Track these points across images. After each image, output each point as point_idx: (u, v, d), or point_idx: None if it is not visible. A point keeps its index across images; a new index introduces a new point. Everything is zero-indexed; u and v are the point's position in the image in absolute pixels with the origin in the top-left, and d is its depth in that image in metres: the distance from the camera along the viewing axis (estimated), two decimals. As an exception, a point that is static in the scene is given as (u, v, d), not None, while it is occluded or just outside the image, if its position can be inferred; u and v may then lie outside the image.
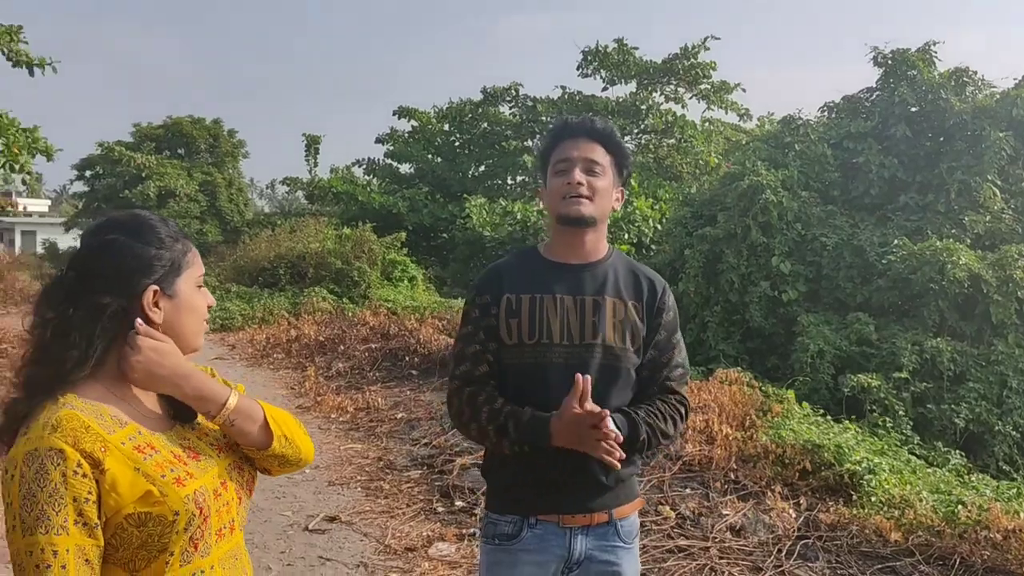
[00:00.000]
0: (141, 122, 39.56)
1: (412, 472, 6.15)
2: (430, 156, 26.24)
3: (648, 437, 2.13)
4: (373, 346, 11.23)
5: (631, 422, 2.11)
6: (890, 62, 12.43)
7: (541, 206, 2.96)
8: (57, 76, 10.60)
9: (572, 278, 2.20)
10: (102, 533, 1.41)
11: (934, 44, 12.53)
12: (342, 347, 11.36)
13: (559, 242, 2.24)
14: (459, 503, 5.43)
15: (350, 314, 14.03)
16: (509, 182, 25.76)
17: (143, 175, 35.07)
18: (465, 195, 22.44)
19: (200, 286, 1.65)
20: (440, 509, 5.37)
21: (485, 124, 25.73)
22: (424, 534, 4.86)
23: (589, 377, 2.01)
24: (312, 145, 31.74)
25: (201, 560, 1.49)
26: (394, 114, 26.40)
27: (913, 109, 12.01)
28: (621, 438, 2.01)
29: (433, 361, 9.61)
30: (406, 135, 26.63)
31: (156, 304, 1.55)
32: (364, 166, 26.78)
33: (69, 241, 40.73)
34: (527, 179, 24.66)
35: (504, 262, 2.34)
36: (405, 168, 26.70)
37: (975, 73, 12.18)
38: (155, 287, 1.55)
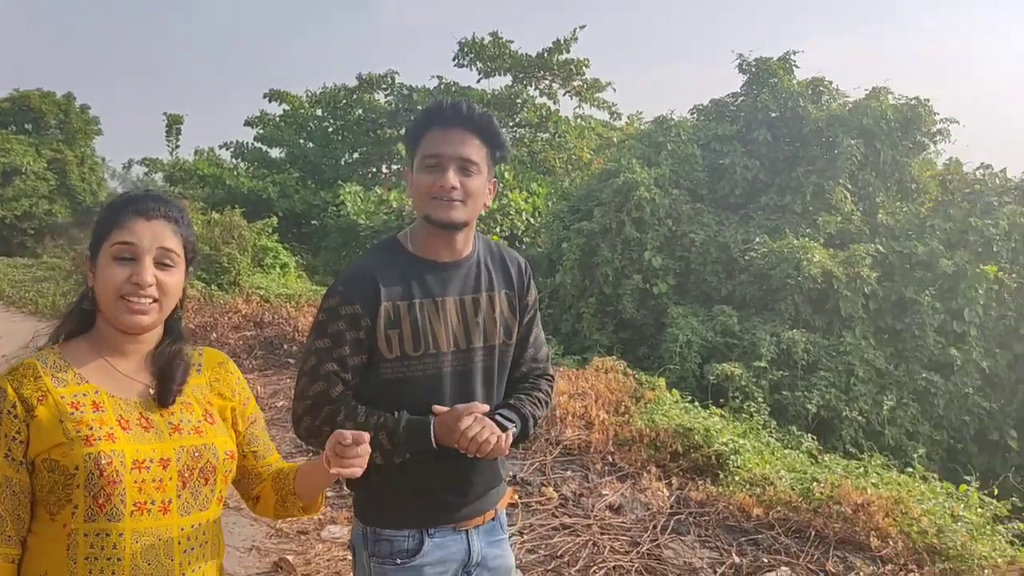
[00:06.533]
0: (-17, 95, 36.91)
1: (298, 459, 6.12)
2: (302, 141, 25.71)
3: (532, 428, 2.13)
4: (248, 334, 10.99)
5: (522, 418, 2.08)
6: (754, 69, 13.15)
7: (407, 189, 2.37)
8: None
9: (449, 277, 2.06)
10: (29, 472, 1.56)
11: (794, 53, 13.36)
12: (214, 335, 11.05)
13: (428, 239, 2.07)
14: (348, 488, 5.46)
15: (220, 301, 13.64)
16: (384, 170, 25.57)
17: (-15, 150, 32.76)
18: (339, 182, 22.15)
19: (119, 257, 1.62)
20: (330, 493, 5.38)
21: (360, 111, 25.43)
22: (316, 518, 4.89)
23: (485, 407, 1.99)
24: (174, 125, 30.42)
25: (108, 523, 1.55)
26: (264, 96, 25.74)
27: (774, 115, 12.75)
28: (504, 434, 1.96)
29: (312, 349, 9.49)
30: (277, 119, 25.99)
31: (91, 270, 1.66)
32: (232, 149, 25.98)
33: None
34: (402, 168, 24.54)
35: (371, 262, 2.06)
36: (275, 152, 26.06)
37: (830, 83, 13.09)
38: (88, 256, 1.67)
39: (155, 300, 1.65)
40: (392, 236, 2.16)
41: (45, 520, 1.58)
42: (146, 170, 28.75)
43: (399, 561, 2.03)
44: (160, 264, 1.65)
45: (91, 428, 1.56)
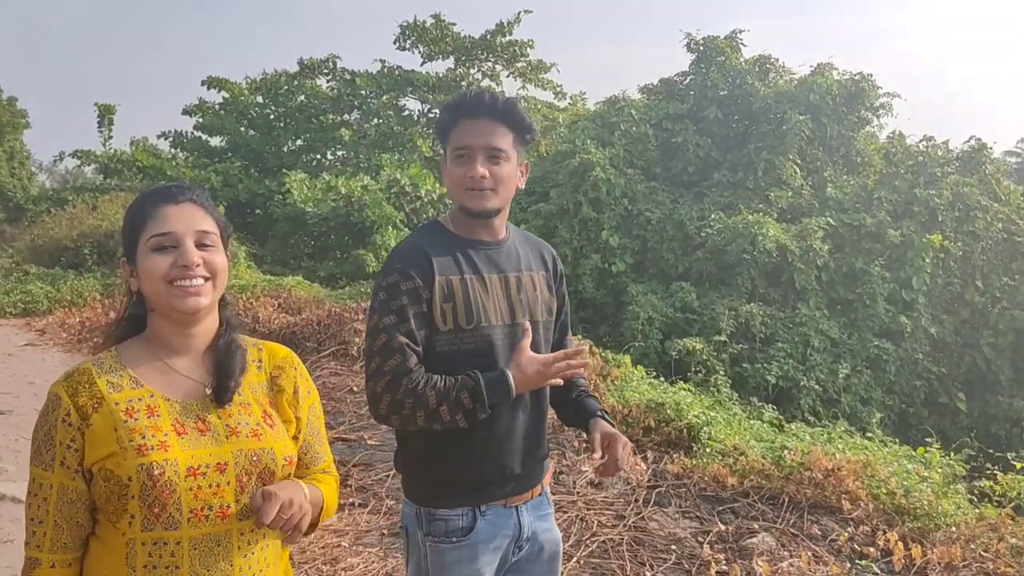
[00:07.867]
0: (-100, 85, 35.40)
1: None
2: (243, 129, 25.20)
3: None
4: (205, 327, 10.81)
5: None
6: (701, 48, 13.29)
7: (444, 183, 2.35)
8: None
9: (492, 256, 2.15)
10: (85, 480, 1.53)
11: (740, 32, 13.56)
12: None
13: (467, 223, 2.15)
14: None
15: (172, 294, 13.36)
16: (328, 157, 25.25)
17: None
18: (283, 170, 21.81)
19: (157, 248, 1.57)
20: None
21: (302, 97, 25.02)
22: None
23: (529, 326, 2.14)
24: (106, 116, 29.61)
25: (165, 532, 1.51)
26: (203, 84, 25.12)
27: (723, 93, 12.91)
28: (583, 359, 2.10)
29: (276, 339, 9.39)
30: (216, 107, 25.44)
31: (132, 274, 1.61)
32: (170, 139, 25.36)
33: None
34: (346, 154, 24.27)
35: (420, 240, 2.14)
36: (216, 141, 25.52)
37: (776, 60, 13.31)
38: (125, 260, 1.63)
39: (207, 279, 1.59)
40: (434, 220, 2.25)
41: (106, 527, 1.55)
42: (78, 163, 27.94)
43: (454, 540, 2.09)
44: (201, 246, 1.60)
45: (144, 437, 1.51)
